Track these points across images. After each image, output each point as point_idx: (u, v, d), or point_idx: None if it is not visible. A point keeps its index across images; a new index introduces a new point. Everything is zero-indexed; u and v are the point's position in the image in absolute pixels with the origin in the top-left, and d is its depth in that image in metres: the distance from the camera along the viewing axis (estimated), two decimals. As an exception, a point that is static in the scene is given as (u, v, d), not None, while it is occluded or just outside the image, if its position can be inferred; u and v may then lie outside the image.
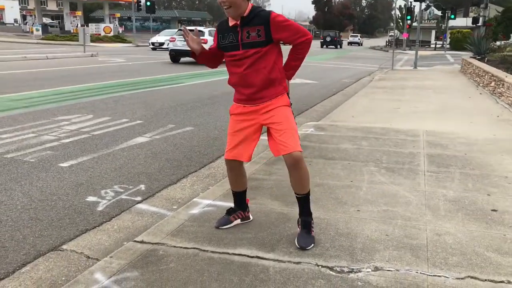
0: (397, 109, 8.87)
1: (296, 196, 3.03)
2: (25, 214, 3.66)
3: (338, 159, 5.11)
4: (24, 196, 4.05)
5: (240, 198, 3.30)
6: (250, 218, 3.35)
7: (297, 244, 2.92)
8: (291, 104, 3.04)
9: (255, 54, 2.83)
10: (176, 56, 20.32)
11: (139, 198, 4.12)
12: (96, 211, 3.80)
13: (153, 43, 33.93)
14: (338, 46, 50.18)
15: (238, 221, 3.28)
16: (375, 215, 3.47)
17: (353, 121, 7.49)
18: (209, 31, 20.55)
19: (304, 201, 3.01)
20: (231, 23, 2.88)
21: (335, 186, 4.14)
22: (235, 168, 3.15)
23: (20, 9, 72.06)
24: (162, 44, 32.12)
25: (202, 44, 3.03)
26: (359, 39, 65.51)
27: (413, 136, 6.32)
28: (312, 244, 2.93)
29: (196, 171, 5.01)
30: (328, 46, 48.80)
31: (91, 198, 4.07)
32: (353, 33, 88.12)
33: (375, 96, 10.94)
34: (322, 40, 51.49)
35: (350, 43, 63.11)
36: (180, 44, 19.26)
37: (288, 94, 3.05)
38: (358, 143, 5.85)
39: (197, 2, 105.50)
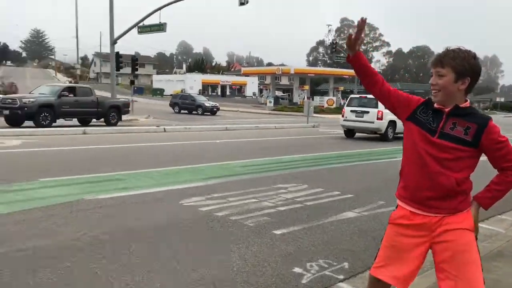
0: None
1: None
2: (239, 277, 4.04)
3: None
4: (240, 259, 4.48)
5: None
6: None
7: None
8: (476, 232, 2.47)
9: (451, 149, 2.37)
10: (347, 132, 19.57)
11: (341, 277, 4.13)
12: (300, 283, 3.95)
13: None
14: None
15: None
16: None
17: None
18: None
19: None
20: (436, 105, 2.47)
21: None
22: None
23: (258, 84, 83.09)
24: None
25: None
26: None
27: None
28: None
29: (403, 255, 4.77)
30: None
31: (297, 269, 4.25)
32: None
33: None
34: None
35: None
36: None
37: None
38: None
39: (421, 75, 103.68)
